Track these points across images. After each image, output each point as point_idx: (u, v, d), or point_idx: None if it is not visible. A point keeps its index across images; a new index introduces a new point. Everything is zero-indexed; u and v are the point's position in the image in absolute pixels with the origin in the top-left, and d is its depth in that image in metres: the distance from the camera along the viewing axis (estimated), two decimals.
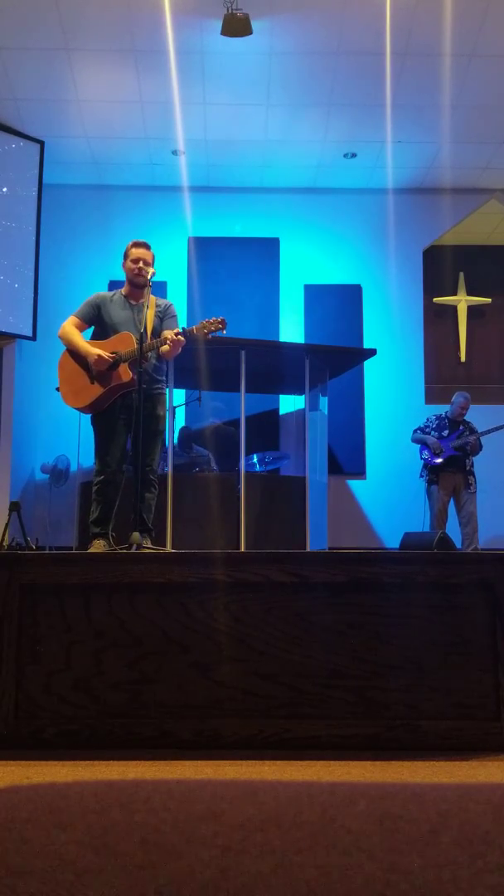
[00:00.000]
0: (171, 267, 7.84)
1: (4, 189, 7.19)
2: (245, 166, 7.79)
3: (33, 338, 7.28)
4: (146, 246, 4.34)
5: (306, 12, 5.72)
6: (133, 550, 3.70)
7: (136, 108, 6.86)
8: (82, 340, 4.23)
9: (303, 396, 6.82)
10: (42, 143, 7.33)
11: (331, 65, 6.27)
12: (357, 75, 6.38)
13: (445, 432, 6.81)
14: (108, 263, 7.95)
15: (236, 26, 5.59)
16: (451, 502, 6.83)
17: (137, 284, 4.29)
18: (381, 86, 6.43)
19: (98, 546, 4.12)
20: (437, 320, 8.66)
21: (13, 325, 7.16)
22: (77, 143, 7.38)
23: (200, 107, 6.81)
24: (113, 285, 7.82)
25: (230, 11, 5.55)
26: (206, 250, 8.08)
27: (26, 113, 6.98)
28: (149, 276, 4.20)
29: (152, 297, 4.29)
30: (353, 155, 7.57)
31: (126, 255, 4.34)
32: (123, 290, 4.38)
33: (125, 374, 4.07)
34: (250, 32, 5.67)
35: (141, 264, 4.25)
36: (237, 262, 8.07)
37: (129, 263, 4.31)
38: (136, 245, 4.34)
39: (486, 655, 2.51)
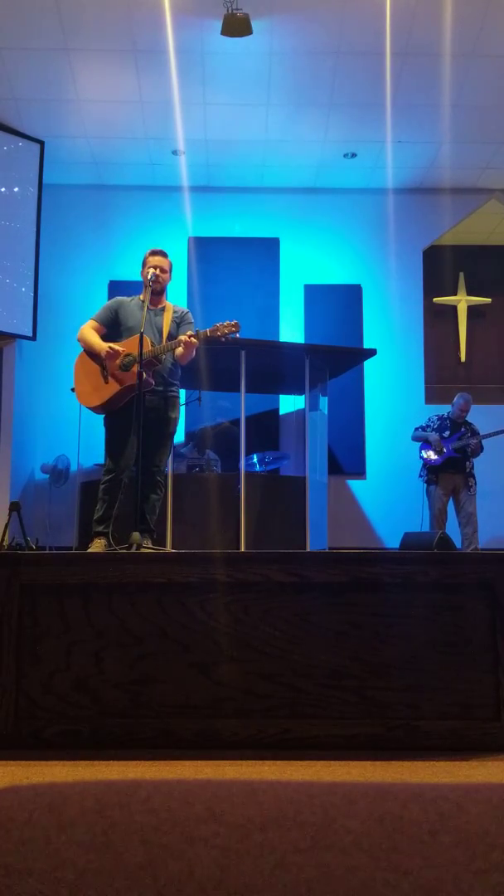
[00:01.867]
0: (172, 267, 7.83)
1: (4, 189, 7.19)
2: (245, 166, 7.79)
3: (33, 338, 7.28)
4: (163, 254, 4.46)
5: (306, 12, 5.72)
6: (133, 550, 3.70)
7: (136, 108, 6.86)
8: (97, 339, 4.31)
9: (303, 396, 6.82)
10: (42, 143, 7.33)
11: (331, 65, 6.27)
12: (357, 75, 6.38)
13: (447, 433, 6.80)
14: (108, 263, 7.97)
15: (236, 26, 5.59)
16: (451, 503, 6.82)
17: (154, 291, 4.37)
18: (381, 86, 6.43)
19: (98, 545, 4.13)
20: (437, 320, 8.66)
21: (13, 325, 7.16)
22: (77, 143, 7.38)
23: (200, 107, 6.81)
24: (113, 285, 7.83)
25: (230, 11, 5.55)
26: (206, 250, 8.08)
27: (26, 113, 6.97)
28: (149, 277, 4.26)
29: (169, 304, 4.42)
30: (353, 155, 7.57)
31: (144, 263, 4.46)
32: (141, 296, 4.46)
33: (136, 374, 4.12)
34: (250, 32, 5.67)
35: (158, 270, 4.33)
36: (237, 262, 8.07)
37: (146, 270, 4.41)
38: (154, 253, 4.46)
39: (486, 655, 2.51)
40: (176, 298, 7.89)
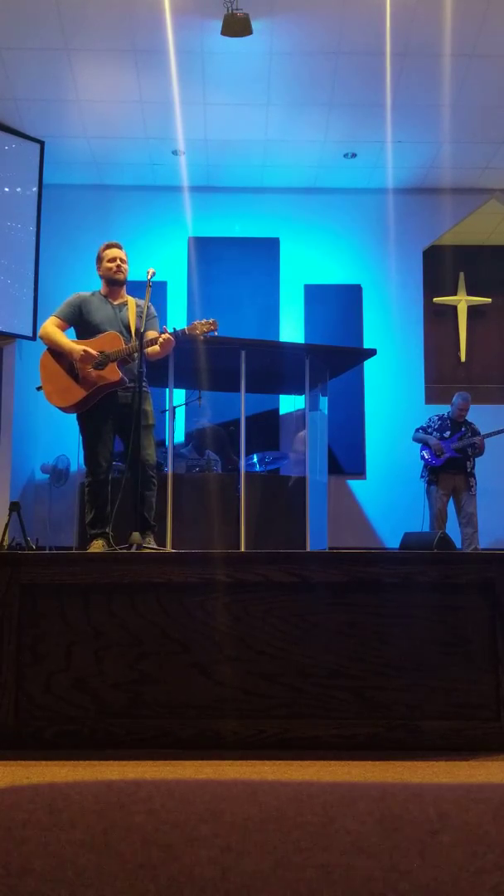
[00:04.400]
0: (171, 267, 7.84)
1: (5, 189, 7.19)
2: (245, 166, 7.79)
3: (33, 338, 7.27)
4: (119, 246, 4.42)
5: (306, 12, 5.72)
6: (133, 550, 3.70)
7: (136, 108, 6.86)
8: (66, 338, 4.24)
9: (303, 396, 6.82)
10: (42, 143, 7.33)
11: (331, 65, 6.27)
12: (357, 75, 6.38)
13: (447, 433, 6.80)
14: None
15: (236, 26, 5.59)
16: (451, 503, 6.82)
17: (117, 282, 4.34)
18: (381, 86, 6.42)
19: (98, 546, 4.12)
20: (437, 320, 8.66)
21: (13, 325, 7.16)
22: (77, 143, 7.38)
23: (200, 107, 6.81)
24: None
25: (230, 11, 5.55)
26: (206, 250, 8.08)
27: (26, 113, 6.97)
28: (112, 270, 4.28)
29: (130, 298, 4.37)
30: (353, 155, 7.57)
31: (100, 259, 4.40)
32: (102, 291, 4.41)
33: (113, 373, 4.08)
34: (250, 32, 5.67)
35: (118, 262, 4.31)
36: (237, 262, 8.07)
37: (105, 264, 4.36)
38: (109, 246, 4.41)
39: (486, 655, 2.51)
40: (176, 298, 7.93)
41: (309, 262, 8.16)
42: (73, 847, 0.52)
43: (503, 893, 0.51)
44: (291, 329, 8.05)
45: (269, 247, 8.18)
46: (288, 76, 6.42)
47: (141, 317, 4.26)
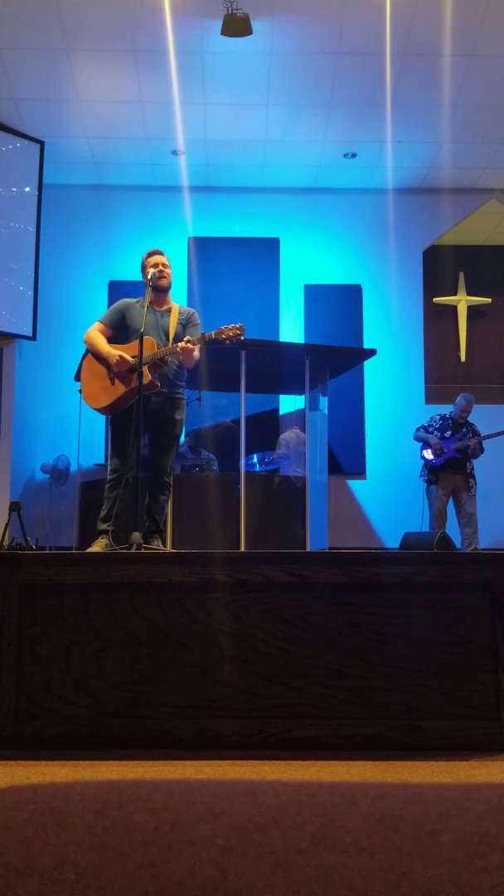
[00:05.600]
0: (172, 267, 7.83)
1: (4, 189, 7.19)
2: (245, 166, 7.79)
3: (33, 338, 7.28)
4: (160, 252, 4.51)
5: (306, 12, 5.72)
6: (133, 550, 3.71)
7: (136, 108, 6.86)
8: (105, 344, 4.33)
9: (303, 396, 6.82)
10: (42, 143, 7.33)
11: (331, 65, 6.27)
12: (357, 75, 6.38)
13: (448, 433, 6.80)
14: (108, 263, 7.97)
15: (236, 26, 5.59)
16: (451, 503, 6.82)
17: (161, 288, 4.40)
18: (381, 86, 6.43)
19: (100, 544, 4.15)
20: (437, 320, 8.66)
21: (13, 325, 7.16)
22: (77, 143, 7.38)
23: (200, 107, 6.81)
24: (113, 285, 7.84)
25: (230, 11, 5.55)
26: (206, 250, 8.08)
27: (26, 113, 6.97)
28: (157, 276, 4.30)
29: (175, 305, 4.45)
30: (353, 155, 7.57)
31: (145, 266, 4.47)
32: (147, 297, 4.45)
33: (145, 376, 4.13)
34: (250, 32, 5.67)
35: (161, 267, 4.38)
36: (237, 262, 8.07)
37: (150, 271, 4.41)
38: (152, 254, 4.50)
39: (486, 655, 2.51)
40: (176, 298, 7.87)
41: (309, 262, 8.16)
42: (73, 847, 0.52)
43: (503, 894, 0.51)
44: (291, 329, 8.05)
45: (269, 247, 8.18)
46: (288, 76, 6.42)
47: (183, 324, 4.33)
